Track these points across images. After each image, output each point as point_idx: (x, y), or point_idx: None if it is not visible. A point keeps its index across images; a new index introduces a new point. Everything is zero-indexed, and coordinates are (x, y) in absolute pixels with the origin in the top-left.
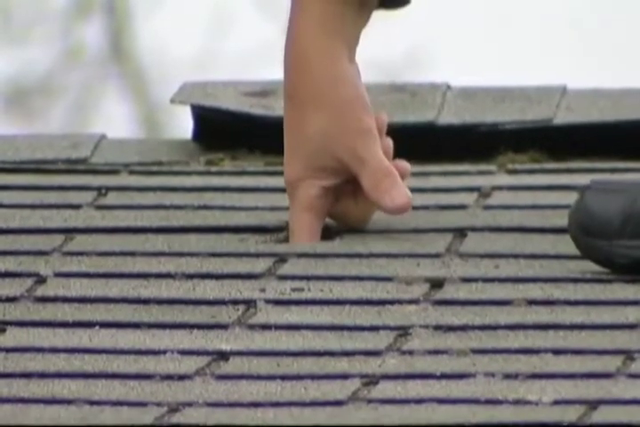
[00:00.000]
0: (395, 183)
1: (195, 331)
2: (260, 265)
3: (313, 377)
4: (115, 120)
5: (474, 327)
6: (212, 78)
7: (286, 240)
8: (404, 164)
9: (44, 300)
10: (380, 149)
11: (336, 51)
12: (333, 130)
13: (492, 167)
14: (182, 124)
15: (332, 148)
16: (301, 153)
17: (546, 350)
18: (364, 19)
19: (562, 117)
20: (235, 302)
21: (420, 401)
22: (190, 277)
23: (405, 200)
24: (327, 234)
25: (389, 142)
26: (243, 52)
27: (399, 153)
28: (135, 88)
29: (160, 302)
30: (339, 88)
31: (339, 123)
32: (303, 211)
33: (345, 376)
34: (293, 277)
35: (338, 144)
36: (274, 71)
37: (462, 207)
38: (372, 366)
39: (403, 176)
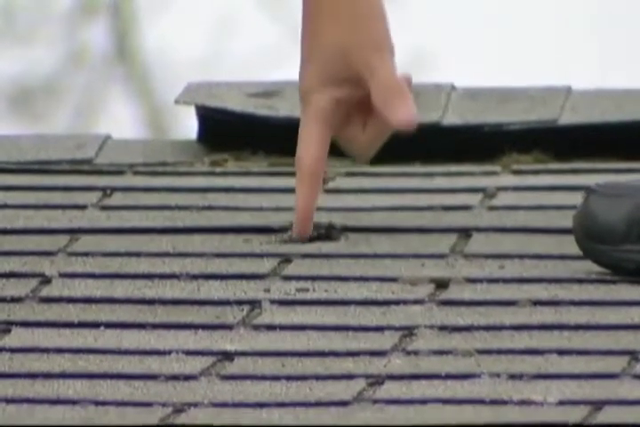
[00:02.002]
0: (403, 98)
1: (200, 331)
2: (265, 265)
3: (318, 377)
4: (119, 121)
5: (479, 328)
6: (216, 79)
7: (291, 241)
8: (406, 76)
9: (49, 300)
10: (395, 66)
11: None
12: (348, 38)
13: (497, 168)
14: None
15: (348, 56)
16: (315, 61)
17: (551, 351)
18: None
19: (566, 118)
20: (239, 303)
21: (424, 401)
22: (195, 277)
23: (411, 117)
24: (332, 234)
25: (409, 75)
26: (247, 53)
27: (403, 154)
28: (140, 89)
29: (165, 302)
30: (357, 3)
31: (354, 32)
32: (313, 121)
33: (350, 377)
34: (298, 278)
35: (354, 54)
36: (278, 72)
37: (467, 208)
38: (377, 366)
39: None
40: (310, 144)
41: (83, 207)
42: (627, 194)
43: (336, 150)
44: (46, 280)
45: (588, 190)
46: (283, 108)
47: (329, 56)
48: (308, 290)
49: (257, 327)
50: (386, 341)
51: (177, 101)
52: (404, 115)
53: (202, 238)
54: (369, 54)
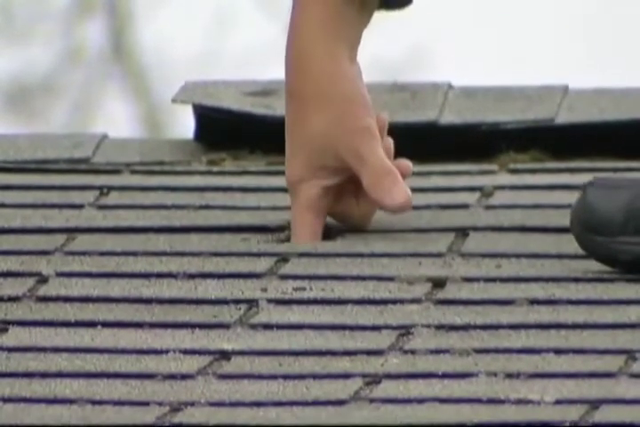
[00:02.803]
0: (395, 182)
1: (197, 330)
2: (262, 265)
3: (315, 377)
4: (116, 120)
5: (476, 327)
6: (213, 78)
7: (288, 240)
8: (406, 163)
9: (46, 299)
10: (380, 148)
11: (337, 50)
12: (334, 129)
13: (494, 167)
14: (184, 124)
15: (333, 147)
16: (302, 152)
17: (548, 350)
18: (365, 19)
19: (563, 117)
20: (237, 302)
21: (422, 401)
22: (192, 276)
23: (405, 199)
24: (329, 234)
25: (390, 142)
26: (244, 51)
27: (401, 153)
28: (137, 88)
29: (162, 301)
30: (339, 87)
31: (339, 122)
32: (304, 211)
33: (347, 376)
34: (295, 277)
35: (339, 143)
36: (275, 71)
37: (464, 207)
38: (374, 365)
39: (404, 175)
40: (303, 235)
41: (80, 206)
42: (624, 186)
43: None
44: (43, 279)
45: (586, 183)
46: (280, 107)
47: (315, 146)
48: (305, 289)
49: (254, 326)
50: (383, 340)
51: (174, 100)
52: (398, 197)
53: (199, 237)
54: (355, 141)
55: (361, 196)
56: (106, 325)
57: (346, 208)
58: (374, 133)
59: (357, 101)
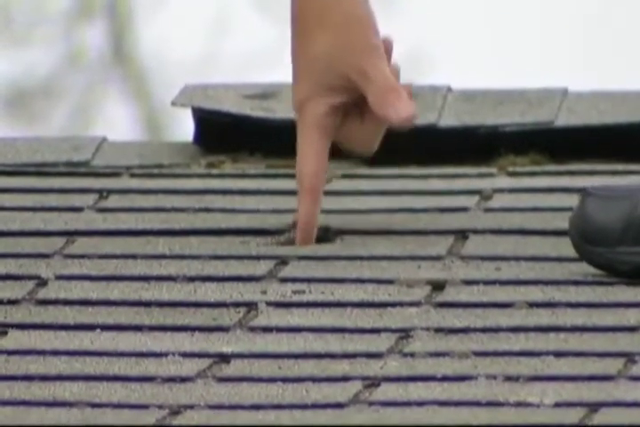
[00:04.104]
0: (400, 97)
1: (196, 333)
2: (262, 267)
3: (314, 379)
4: (116, 123)
5: (475, 330)
6: (213, 81)
7: (288, 243)
8: (406, 85)
9: (46, 302)
10: (386, 66)
11: None
12: (339, 48)
13: (493, 170)
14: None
15: (339, 65)
16: (308, 73)
17: (547, 353)
18: None
19: (563, 120)
20: (236, 305)
21: (421, 403)
22: (191, 279)
23: (410, 113)
24: (328, 236)
25: (397, 66)
26: (243, 54)
27: (400, 155)
28: (136, 91)
29: (161, 304)
30: (345, 7)
31: (344, 40)
32: (310, 129)
33: (346, 379)
34: (294, 280)
35: (344, 61)
36: (275, 74)
37: (463, 210)
38: (373, 368)
39: (408, 96)
40: (310, 157)
41: (79, 209)
42: (622, 196)
43: (333, 152)
44: (42, 282)
45: (583, 193)
46: (279, 110)
47: (321, 65)
48: (304, 292)
49: (253, 329)
50: (382, 343)
51: (173, 103)
52: (403, 111)
53: (198, 240)
54: (360, 59)
55: (366, 119)
56: (105, 328)
57: (351, 131)
58: (380, 52)
59: (363, 21)
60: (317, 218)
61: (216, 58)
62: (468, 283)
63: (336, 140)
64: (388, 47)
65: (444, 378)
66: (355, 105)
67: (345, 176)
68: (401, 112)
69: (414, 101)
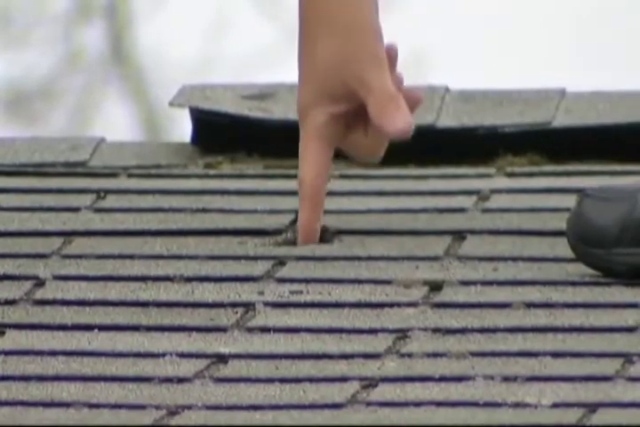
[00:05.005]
0: (398, 108)
1: (193, 334)
2: (259, 268)
3: (312, 380)
4: (114, 123)
5: (473, 330)
6: (211, 81)
7: (285, 243)
8: (417, 92)
9: (43, 303)
10: (388, 76)
11: None
12: (341, 56)
13: (491, 170)
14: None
15: (340, 73)
16: (311, 80)
17: (545, 353)
18: None
19: (561, 120)
20: (233, 305)
21: (418, 404)
22: (189, 279)
23: (406, 124)
24: (325, 236)
25: (401, 75)
26: (242, 55)
27: (398, 156)
28: (135, 91)
29: (159, 304)
30: (351, 14)
31: (347, 49)
32: (311, 138)
33: (344, 379)
34: (292, 280)
35: (345, 70)
36: (273, 74)
37: (461, 210)
38: (370, 368)
39: (415, 104)
40: (311, 164)
41: (77, 210)
42: (620, 197)
43: (335, 154)
44: (40, 283)
45: (581, 194)
46: (277, 111)
47: (322, 74)
48: (301, 292)
49: (251, 330)
50: (380, 343)
51: (171, 104)
52: (400, 123)
53: (196, 241)
54: (361, 69)
55: (370, 128)
56: (103, 328)
57: (355, 140)
58: (381, 61)
59: (367, 29)
60: (319, 226)
61: (214, 58)
62: (466, 283)
63: (342, 148)
64: (392, 55)
65: (442, 378)
66: (358, 114)
67: (343, 176)
68: (398, 124)
69: (418, 108)
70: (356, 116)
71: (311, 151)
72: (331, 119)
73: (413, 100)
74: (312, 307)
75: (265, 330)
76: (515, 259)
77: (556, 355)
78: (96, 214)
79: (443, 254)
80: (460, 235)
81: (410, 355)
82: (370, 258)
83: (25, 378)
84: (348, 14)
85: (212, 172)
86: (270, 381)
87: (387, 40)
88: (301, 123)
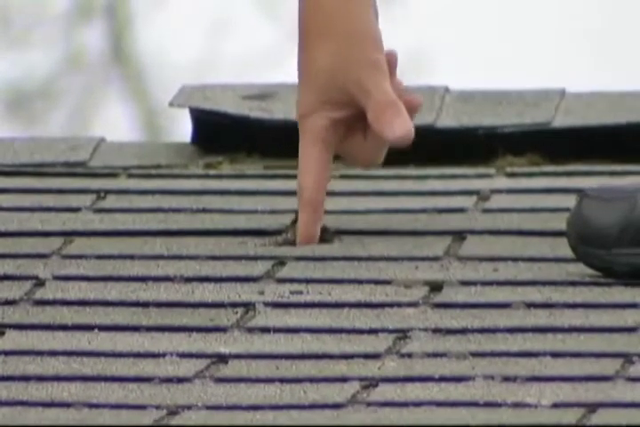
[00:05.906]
0: (397, 114)
1: (194, 334)
2: (259, 268)
3: (312, 380)
4: (114, 123)
5: (473, 330)
6: (211, 81)
7: (285, 243)
8: (417, 97)
9: (43, 303)
10: (387, 82)
11: None
12: (341, 62)
13: (491, 170)
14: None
15: (340, 79)
16: (311, 85)
17: (545, 353)
18: None
19: (560, 120)
20: (233, 305)
21: (419, 404)
22: (189, 280)
23: (406, 131)
24: (326, 236)
25: (400, 81)
26: (242, 55)
27: (398, 156)
28: (135, 91)
29: (159, 305)
30: (350, 20)
31: (346, 54)
32: (311, 143)
33: (344, 379)
34: (292, 280)
35: (345, 76)
36: (274, 75)
37: (461, 210)
38: (370, 368)
39: (414, 110)
40: (310, 170)
41: (77, 210)
42: (620, 197)
43: (334, 156)
44: (40, 283)
45: (581, 194)
46: (277, 111)
47: (323, 80)
48: (302, 292)
49: (251, 330)
50: (380, 343)
51: (171, 104)
52: (399, 129)
53: (196, 241)
54: (360, 74)
55: (369, 133)
56: (103, 328)
57: (354, 146)
58: (381, 67)
59: (366, 35)
60: (318, 230)
61: (215, 58)
62: (466, 283)
63: (340, 154)
64: (391, 61)
65: (442, 379)
66: (357, 119)
67: (343, 177)
68: (397, 130)
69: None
70: (355, 121)
71: (311, 156)
72: (330, 124)
73: (413, 105)
74: (312, 307)
75: (265, 330)
76: (515, 259)
77: (555, 355)
78: (96, 214)
79: (443, 255)
80: (459, 235)
81: (410, 355)
82: (370, 258)
83: (25, 378)
84: (347, 20)
85: (212, 172)
86: (270, 381)
87: (386, 41)
88: (301, 128)
